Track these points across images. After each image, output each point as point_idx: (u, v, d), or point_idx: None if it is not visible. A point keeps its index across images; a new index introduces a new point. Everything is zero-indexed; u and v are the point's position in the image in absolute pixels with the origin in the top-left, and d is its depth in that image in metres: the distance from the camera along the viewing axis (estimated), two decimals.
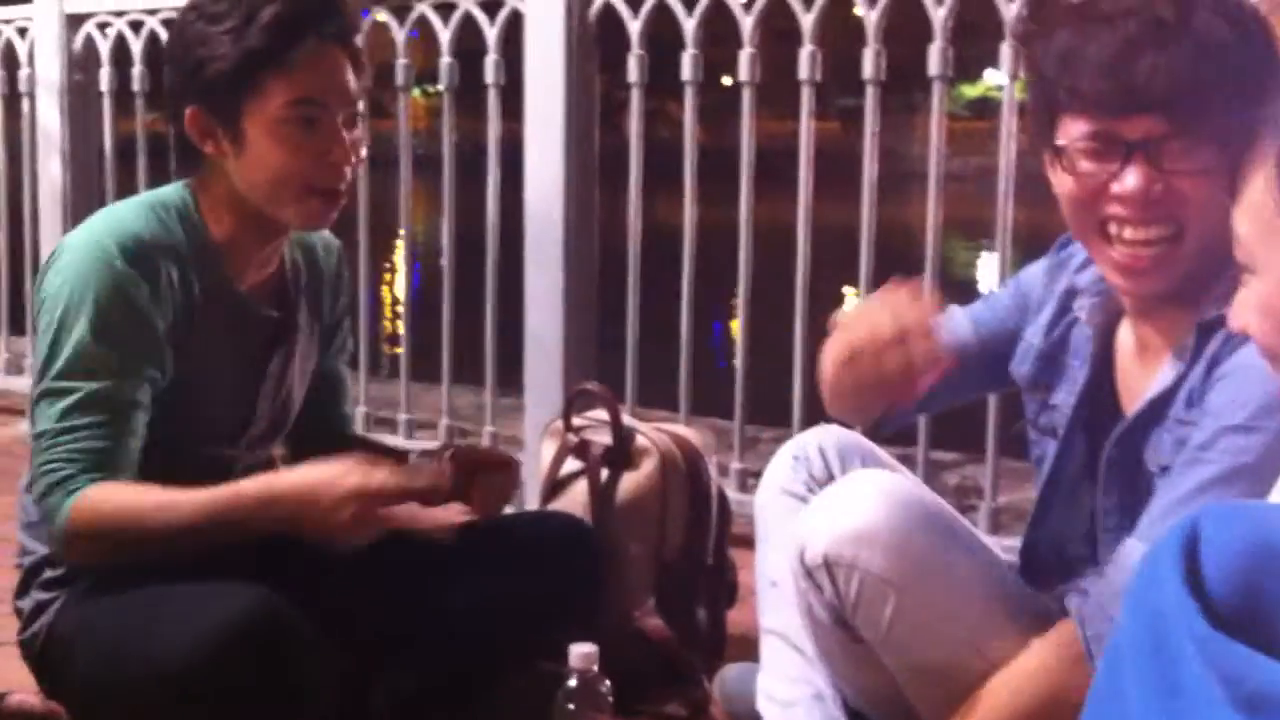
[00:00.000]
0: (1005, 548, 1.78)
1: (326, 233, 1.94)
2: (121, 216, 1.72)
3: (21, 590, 1.79)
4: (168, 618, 1.56)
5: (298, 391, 1.93)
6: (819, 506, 1.48)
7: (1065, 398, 1.58)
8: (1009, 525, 2.77)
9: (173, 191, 1.78)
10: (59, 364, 1.63)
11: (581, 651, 1.54)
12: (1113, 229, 1.41)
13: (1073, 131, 1.40)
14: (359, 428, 3.55)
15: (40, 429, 1.64)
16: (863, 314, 1.47)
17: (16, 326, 4.62)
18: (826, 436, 1.79)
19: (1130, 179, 1.37)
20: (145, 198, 1.78)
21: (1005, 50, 2.60)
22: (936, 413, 1.81)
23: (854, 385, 1.49)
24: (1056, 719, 1.35)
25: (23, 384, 4.15)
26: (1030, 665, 1.41)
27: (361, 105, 1.77)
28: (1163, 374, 1.43)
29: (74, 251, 1.67)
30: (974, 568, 1.48)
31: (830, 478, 1.73)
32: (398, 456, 2.00)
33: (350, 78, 1.73)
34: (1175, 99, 1.34)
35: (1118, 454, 1.47)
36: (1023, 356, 1.66)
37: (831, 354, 1.50)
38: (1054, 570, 1.58)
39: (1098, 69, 1.36)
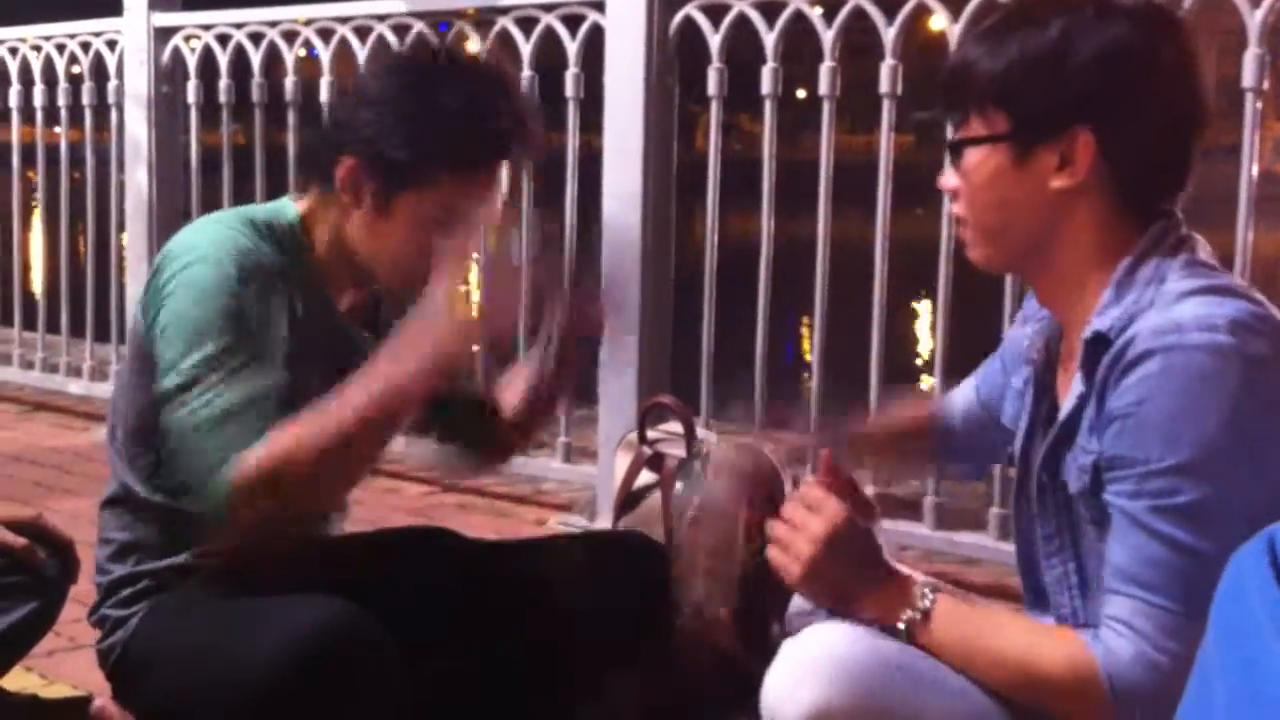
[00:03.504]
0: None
1: None
2: (234, 234, 1.67)
3: (98, 604, 1.78)
4: (248, 630, 1.56)
5: None
6: (774, 679, 1.41)
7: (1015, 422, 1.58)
8: None
9: (281, 210, 1.75)
10: (195, 363, 1.58)
11: None
12: None
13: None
14: None
15: (189, 417, 1.57)
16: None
17: (102, 333, 4.72)
18: None
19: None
20: (254, 214, 1.73)
21: None
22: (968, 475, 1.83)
23: None
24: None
25: (107, 390, 4.24)
26: (1046, 672, 1.35)
27: None
28: (1070, 395, 1.41)
29: (195, 268, 1.63)
30: (952, 710, 1.42)
31: None
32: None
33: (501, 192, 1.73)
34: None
35: (1046, 479, 1.45)
36: (1008, 400, 1.66)
37: None
38: (1041, 592, 1.56)
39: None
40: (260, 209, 1.76)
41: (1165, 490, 1.29)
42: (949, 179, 1.48)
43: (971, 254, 1.50)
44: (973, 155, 1.43)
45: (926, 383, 3.16)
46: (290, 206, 1.76)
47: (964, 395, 1.78)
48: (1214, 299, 1.31)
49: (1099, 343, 1.36)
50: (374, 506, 2.13)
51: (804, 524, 1.45)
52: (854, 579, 1.44)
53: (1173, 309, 1.31)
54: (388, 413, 1.54)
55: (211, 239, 1.67)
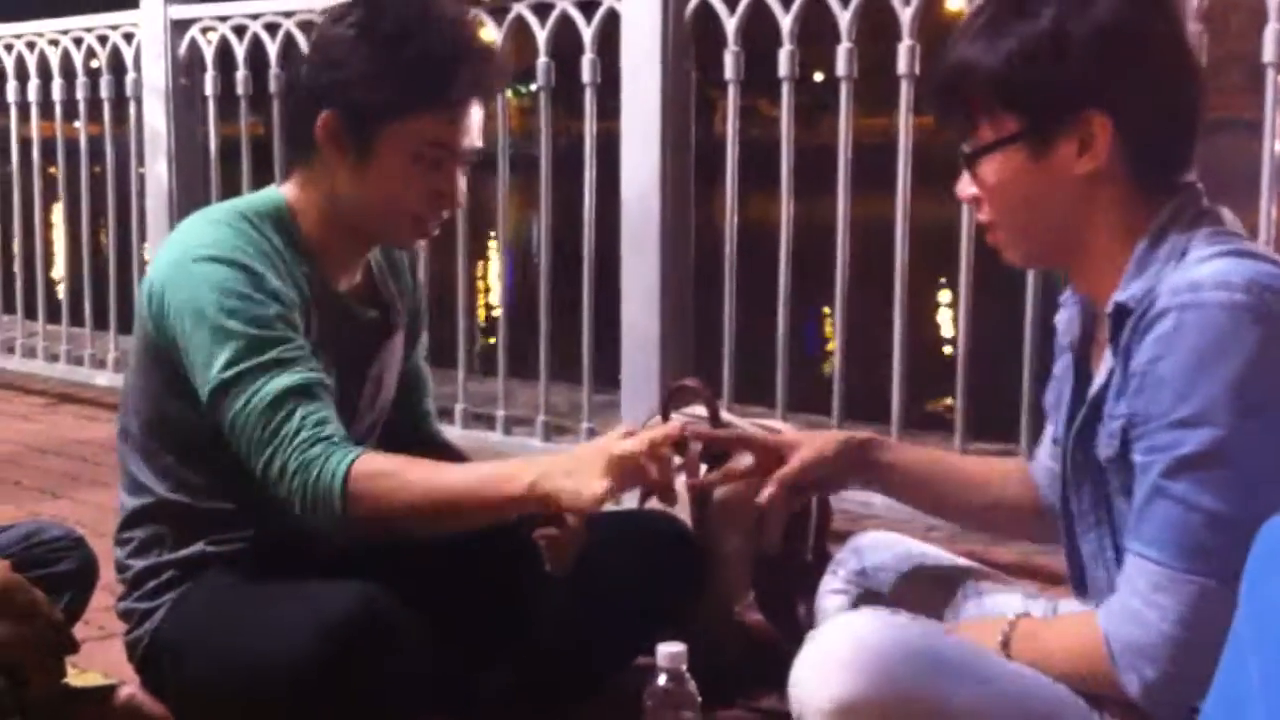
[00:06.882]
0: None
1: None
2: (216, 230, 1.69)
3: (123, 598, 1.81)
4: (273, 617, 1.58)
5: (391, 391, 1.94)
6: (801, 670, 1.39)
7: (1059, 411, 1.58)
8: None
9: (265, 197, 1.78)
10: (227, 355, 1.62)
11: (669, 651, 1.53)
12: None
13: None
14: (458, 424, 3.60)
15: (244, 406, 1.61)
16: None
17: (125, 325, 4.73)
18: (863, 538, 1.84)
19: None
20: (238, 206, 1.76)
21: None
22: None
23: None
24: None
25: None
26: (1062, 650, 1.39)
27: None
28: (1102, 369, 1.42)
29: (183, 274, 1.66)
30: (980, 698, 1.42)
31: (862, 571, 1.78)
32: None
33: (481, 129, 1.75)
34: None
35: (1080, 455, 1.46)
36: (1050, 390, 1.65)
37: None
38: (1083, 578, 1.55)
39: None
40: (245, 201, 1.78)
41: (1170, 444, 1.29)
42: (966, 188, 1.49)
43: (1008, 255, 1.51)
44: (991, 161, 1.43)
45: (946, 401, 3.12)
46: (275, 193, 1.79)
47: (1045, 448, 1.71)
48: (1233, 260, 1.32)
49: (1122, 314, 1.37)
50: None
51: None
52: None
53: (1192, 270, 1.32)
54: (487, 503, 1.58)
55: (191, 242, 1.68)
